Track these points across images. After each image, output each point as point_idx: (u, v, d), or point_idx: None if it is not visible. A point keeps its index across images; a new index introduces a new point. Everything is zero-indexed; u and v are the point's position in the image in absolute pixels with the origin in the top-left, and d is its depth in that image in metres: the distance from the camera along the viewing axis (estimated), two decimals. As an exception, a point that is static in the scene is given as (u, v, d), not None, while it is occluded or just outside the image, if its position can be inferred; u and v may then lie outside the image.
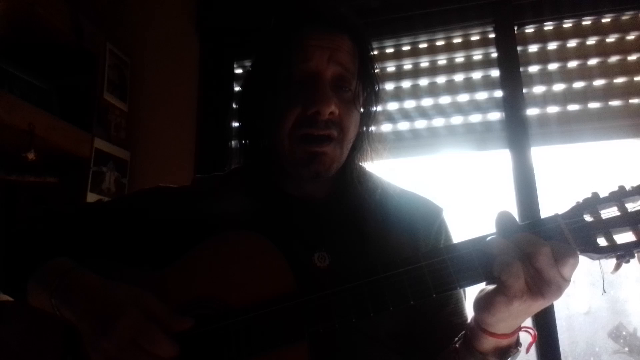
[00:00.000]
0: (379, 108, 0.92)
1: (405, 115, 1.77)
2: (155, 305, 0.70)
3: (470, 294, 0.88)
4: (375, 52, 0.89)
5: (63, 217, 0.90)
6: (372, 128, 0.92)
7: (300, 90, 0.81)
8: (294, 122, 0.81)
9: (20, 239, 0.84)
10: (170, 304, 0.76)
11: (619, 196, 0.63)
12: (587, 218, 0.64)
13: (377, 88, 0.90)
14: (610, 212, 0.63)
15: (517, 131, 1.63)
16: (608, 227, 0.63)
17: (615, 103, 1.61)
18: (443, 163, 1.71)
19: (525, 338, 0.71)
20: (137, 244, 0.89)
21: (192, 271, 0.79)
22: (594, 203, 0.64)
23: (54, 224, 0.88)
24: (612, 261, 0.64)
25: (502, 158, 1.66)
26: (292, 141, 0.82)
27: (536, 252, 0.61)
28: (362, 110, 0.88)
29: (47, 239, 0.84)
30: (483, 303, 0.67)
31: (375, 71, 0.90)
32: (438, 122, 1.74)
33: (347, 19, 0.85)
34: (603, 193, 0.65)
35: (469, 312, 0.87)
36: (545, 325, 1.44)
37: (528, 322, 0.71)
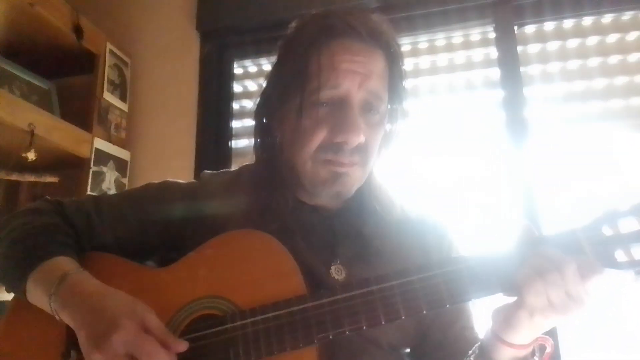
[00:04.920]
0: (403, 125, 0.89)
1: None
2: (152, 320, 0.69)
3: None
4: (400, 50, 0.85)
5: (65, 208, 0.88)
6: (392, 137, 0.89)
7: (328, 113, 0.78)
8: (319, 146, 0.78)
9: (20, 231, 0.82)
10: (175, 304, 0.75)
11: (638, 209, 0.62)
12: (606, 232, 0.63)
13: (403, 105, 0.87)
14: (629, 226, 0.62)
15: (517, 131, 1.63)
16: (627, 241, 0.62)
17: (615, 103, 1.61)
18: (443, 162, 1.71)
19: (542, 347, 0.70)
20: (144, 239, 0.88)
21: (199, 269, 0.78)
22: (613, 216, 0.63)
23: (56, 216, 0.86)
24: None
25: (502, 158, 1.66)
26: (315, 163, 0.79)
27: (562, 268, 0.61)
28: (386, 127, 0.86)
29: (48, 233, 0.82)
30: (503, 315, 0.66)
31: (404, 88, 0.87)
32: (438, 121, 1.74)
33: (382, 35, 0.81)
34: (622, 206, 0.63)
35: (478, 327, 0.87)
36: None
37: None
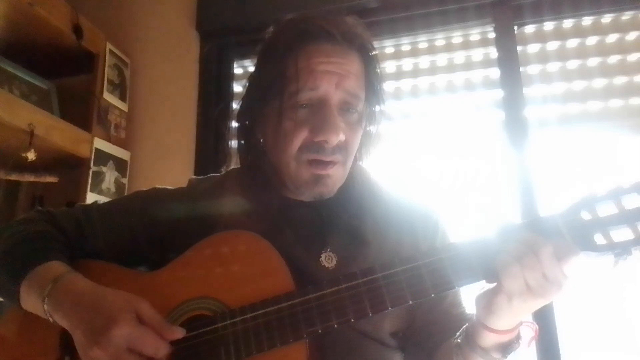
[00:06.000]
0: (381, 124, 0.91)
1: (405, 115, 1.77)
2: (147, 310, 0.70)
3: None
4: (376, 52, 0.88)
5: (57, 218, 0.89)
6: (373, 135, 0.91)
7: (308, 114, 0.80)
8: (300, 146, 0.80)
9: (12, 240, 0.84)
10: (166, 305, 0.76)
11: (617, 193, 0.63)
12: (585, 216, 0.64)
13: (381, 105, 0.90)
14: (607, 210, 0.63)
15: (517, 131, 1.63)
16: (605, 225, 0.63)
17: (615, 103, 1.61)
18: (442, 162, 1.71)
19: (527, 332, 0.72)
20: (134, 243, 0.89)
21: (189, 272, 0.79)
22: (591, 201, 0.64)
23: (48, 224, 0.88)
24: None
25: (501, 158, 1.66)
26: (298, 164, 0.81)
27: (538, 251, 0.61)
28: (366, 126, 0.88)
29: (40, 240, 0.83)
30: (484, 301, 0.68)
31: (382, 88, 0.89)
32: (437, 121, 1.74)
33: (356, 37, 0.83)
34: (600, 190, 0.65)
35: (467, 302, 0.88)
36: (544, 320, 1.44)
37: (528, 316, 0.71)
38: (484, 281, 0.68)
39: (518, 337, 0.70)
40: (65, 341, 0.77)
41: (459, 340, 0.75)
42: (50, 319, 0.74)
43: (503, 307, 0.65)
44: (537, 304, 0.64)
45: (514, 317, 0.67)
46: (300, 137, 0.80)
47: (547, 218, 0.66)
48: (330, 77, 0.79)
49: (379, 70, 0.88)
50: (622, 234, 0.62)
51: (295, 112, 0.80)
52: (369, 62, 0.86)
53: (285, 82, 0.80)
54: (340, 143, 0.80)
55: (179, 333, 0.71)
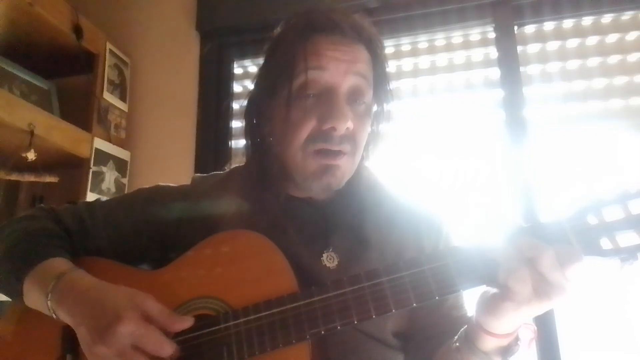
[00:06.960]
0: (389, 120, 0.91)
1: (405, 115, 1.77)
2: (153, 306, 0.70)
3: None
4: (383, 45, 0.88)
5: (59, 215, 0.89)
6: (380, 134, 0.92)
7: (315, 103, 0.80)
8: (308, 136, 0.80)
9: (15, 236, 0.83)
10: (169, 304, 0.75)
11: (623, 198, 0.62)
12: (591, 220, 0.63)
13: (389, 101, 0.90)
14: (614, 214, 0.63)
15: (517, 131, 1.64)
16: (612, 229, 0.62)
17: (615, 103, 1.61)
18: (442, 162, 1.71)
19: (526, 334, 0.71)
20: (137, 241, 0.89)
21: (192, 271, 0.79)
22: (598, 205, 0.64)
23: (50, 221, 0.87)
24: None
25: (501, 158, 1.66)
26: (305, 155, 0.81)
27: (539, 256, 0.61)
28: (373, 123, 0.88)
29: (43, 236, 0.83)
30: (488, 307, 0.66)
31: (388, 82, 0.89)
32: (437, 121, 1.74)
33: (363, 30, 0.84)
34: (607, 194, 0.64)
35: (467, 305, 0.87)
36: (544, 320, 1.44)
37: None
38: (486, 285, 0.67)
39: (517, 339, 0.70)
40: (67, 338, 0.76)
41: (457, 344, 0.75)
42: (54, 316, 0.74)
43: (509, 314, 0.64)
44: (542, 308, 0.64)
45: (517, 322, 0.67)
46: (308, 127, 0.80)
47: (554, 222, 0.65)
48: (338, 64, 0.79)
49: (385, 64, 0.88)
50: (629, 238, 0.61)
51: (302, 101, 0.80)
52: (376, 55, 0.86)
53: (293, 71, 0.80)
54: (348, 132, 0.80)
55: (187, 322, 0.71)
